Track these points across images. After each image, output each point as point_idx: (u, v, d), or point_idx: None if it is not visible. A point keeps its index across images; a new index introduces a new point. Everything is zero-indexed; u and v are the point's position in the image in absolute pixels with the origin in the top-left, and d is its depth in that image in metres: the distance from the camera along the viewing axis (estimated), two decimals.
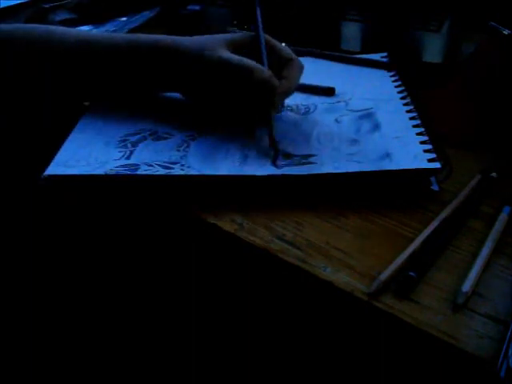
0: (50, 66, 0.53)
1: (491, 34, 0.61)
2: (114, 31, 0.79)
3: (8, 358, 0.71)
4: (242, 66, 0.50)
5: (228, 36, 0.53)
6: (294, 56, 0.53)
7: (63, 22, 0.79)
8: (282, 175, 0.46)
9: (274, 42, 0.54)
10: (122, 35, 0.55)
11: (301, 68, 0.53)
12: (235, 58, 0.50)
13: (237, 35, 0.54)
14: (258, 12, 0.56)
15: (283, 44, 0.55)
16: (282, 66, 0.52)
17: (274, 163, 0.47)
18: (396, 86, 0.57)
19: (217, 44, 0.51)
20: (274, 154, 0.48)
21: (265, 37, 0.54)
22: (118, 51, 0.53)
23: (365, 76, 0.59)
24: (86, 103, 0.57)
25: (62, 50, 0.53)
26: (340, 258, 0.41)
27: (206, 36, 0.53)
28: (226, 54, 0.50)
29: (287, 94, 0.52)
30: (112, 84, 0.55)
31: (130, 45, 0.53)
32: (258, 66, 0.50)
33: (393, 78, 0.59)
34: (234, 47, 0.52)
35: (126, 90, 0.56)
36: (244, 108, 0.53)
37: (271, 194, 0.46)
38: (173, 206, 0.47)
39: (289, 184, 0.46)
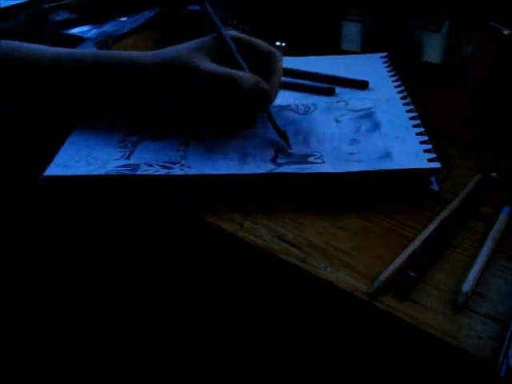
0: (25, 82, 0.53)
1: (491, 34, 0.61)
2: (114, 31, 0.79)
3: (8, 358, 0.71)
4: (227, 77, 0.49)
5: (199, 42, 0.52)
6: (272, 48, 0.52)
7: (63, 22, 0.79)
8: (282, 173, 0.46)
9: (248, 38, 0.53)
10: (92, 52, 0.54)
11: (280, 58, 0.52)
12: (218, 69, 0.49)
13: (207, 40, 0.52)
14: (211, 11, 0.54)
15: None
16: (262, 60, 0.52)
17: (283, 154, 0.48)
18: (396, 86, 0.57)
19: (195, 54, 0.50)
20: (285, 142, 0.49)
21: (236, 35, 0.52)
22: (90, 70, 0.52)
23: (364, 75, 0.59)
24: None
25: (35, 67, 0.52)
26: (340, 257, 0.41)
27: (177, 47, 0.52)
28: (208, 65, 0.49)
29: (278, 88, 0.52)
30: (90, 101, 0.54)
31: (97, 63, 0.52)
32: (242, 74, 0.49)
33: (393, 78, 0.59)
34: (211, 53, 0.51)
35: (108, 106, 0.55)
36: (238, 113, 0.53)
37: (271, 193, 0.46)
38: (173, 206, 0.47)
39: (288, 183, 0.46)
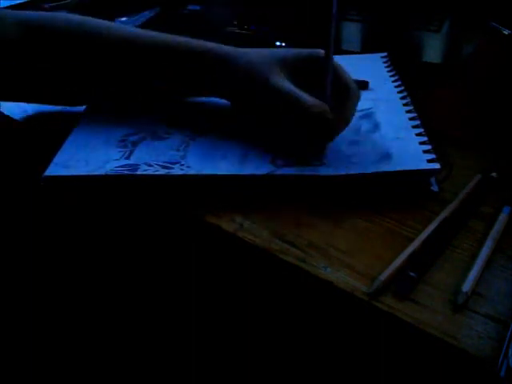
0: (87, 59, 0.53)
1: (491, 34, 0.61)
2: None
3: (8, 358, 0.71)
4: (292, 97, 0.46)
5: (280, 54, 0.50)
6: (352, 84, 0.48)
7: None
8: (281, 175, 0.46)
9: (335, 64, 0.48)
10: (167, 37, 0.53)
11: (357, 97, 0.49)
12: (285, 87, 0.47)
13: (290, 54, 0.50)
14: (333, 33, 0.48)
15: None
16: (338, 92, 0.48)
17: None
18: (396, 86, 0.57)
19: (269, 66, 0.48)
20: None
21: (336, 63, 0.48)
22: (164, 53, 0.52)
23: (364, 75, 0.59)
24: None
25: (104, 44, 0.53)
26: (340, 257, 0.41)
27: (258, 53, 0.50)
28: (277, 81, 0.47)
29: (343, 127, 0.49)
30: (150, 84, 0.55)
31: (177, 49, 0.52)
32: (309, 98, 0.46)
33: (393, 78, 0.59)
34: (288, 67, 0.49)
35: (165, 92, 0.55)
36: (299, 139, 0.50)
37: (271, 194, 0.46)
38: (173, 206, 0.47)
39: (288, 184, 0.46)
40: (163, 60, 0.52)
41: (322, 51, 0.49)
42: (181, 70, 0.52)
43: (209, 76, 0.51)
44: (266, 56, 0.50)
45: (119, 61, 0.53)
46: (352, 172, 0.45)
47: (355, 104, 0.49)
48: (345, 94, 0.48)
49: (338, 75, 0.48)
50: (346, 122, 0.49)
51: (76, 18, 0.56)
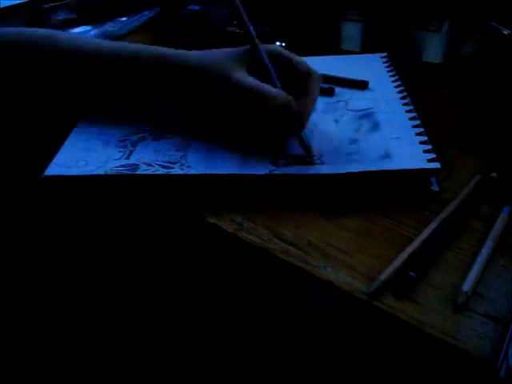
0: (52, 73, 0.53)
1: (491, 34, 0.61)
2: (114, 31, 0.79)
3: (8, 358, 0.71)
4: (255, 90, 0.46)
5: (236, 52, 0.50)
6: (311, 70, 0.49)
7: (63, 22, 0.79)
8: (281, 174, 0.46)
9: (290, 55, 0.50)
10: (126, 46, 0.53)
11: (319, 80, 0.50)
12: (247, 81, 0.47)
13: (243, 50, 0.50)
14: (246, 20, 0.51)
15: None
16: (299, 81, 0.49)
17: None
18: (396, 86, 0.57)
19: (228, 63, 0.48)
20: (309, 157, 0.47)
21: (275, 50, 0.50)
22: (121, 64, 0.51)
23: (364, 75, 0.59)
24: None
25: (66, 57, 0.52)
26: (340, 258, 0.41)
27: (214, 53, 0.50)
28: (238, 76, 0.47)
29: (309, 112, 0.49)
30: (110, 95, 0.54)
31: (133, 58, 0.51)
32: (271, 90, 0.46)
33: (392, 78, 0.59)
34: (245, 64, 0.49)
35: (126, 100, 0.55)
36: (264, 131, 0.50)
37: (271, 193, 0.46)
38: (173, 206, 0.47)
39: (288, 183, 0.46)
40: (116, 73, 0.52)
41: (278, 47, 0.50)
42: (136, 80, 0.52)
43: (164, 82, 0.51)
44: (224, 55, 0.50)
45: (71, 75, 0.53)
46: (352, 170, 0.45)
47: (318, 86, 0.50)
48: (306, 79, 0.49)
49: (294, 63, 0.49)
50: (311, 108, 0.49)
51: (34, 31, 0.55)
